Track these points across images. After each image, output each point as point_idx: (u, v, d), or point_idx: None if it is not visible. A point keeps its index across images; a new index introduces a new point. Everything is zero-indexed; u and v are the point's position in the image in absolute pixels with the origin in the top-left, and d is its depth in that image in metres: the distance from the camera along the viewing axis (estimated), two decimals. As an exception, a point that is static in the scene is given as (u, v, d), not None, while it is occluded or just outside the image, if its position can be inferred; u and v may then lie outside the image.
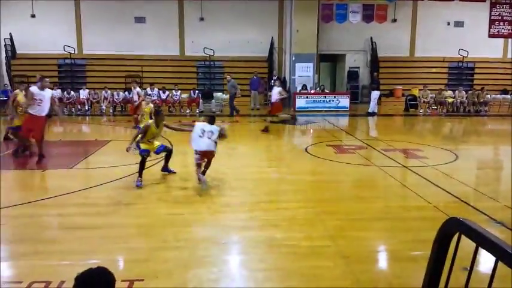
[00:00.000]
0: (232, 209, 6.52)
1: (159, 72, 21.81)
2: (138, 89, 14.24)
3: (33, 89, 9.45)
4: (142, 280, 4.22)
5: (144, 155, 7.76)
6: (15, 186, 7.97)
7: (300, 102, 19.91)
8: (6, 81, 21.28)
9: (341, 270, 4.51)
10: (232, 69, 22.42)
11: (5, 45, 21.82)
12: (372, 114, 18.68)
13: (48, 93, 9.64)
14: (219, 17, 22.56)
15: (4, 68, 21.93)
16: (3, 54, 21.92)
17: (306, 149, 11.14)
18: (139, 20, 22.47)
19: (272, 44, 22.95)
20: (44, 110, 9.53)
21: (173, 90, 19.71)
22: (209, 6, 22.39)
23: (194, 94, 19.85)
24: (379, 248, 5.36)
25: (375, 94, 18.97)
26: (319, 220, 5.96)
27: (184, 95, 19.91)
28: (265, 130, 13.93)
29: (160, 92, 19.66)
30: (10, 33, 21.74)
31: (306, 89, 20.69)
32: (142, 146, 7.86)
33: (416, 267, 4.32)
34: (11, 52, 21.88)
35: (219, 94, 20.63)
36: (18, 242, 5.32)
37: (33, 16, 21.56)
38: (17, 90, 11.23)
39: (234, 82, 18.55)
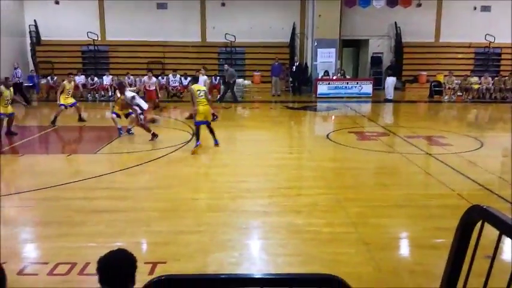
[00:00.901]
0: (253, 194, 6.55)
1: (181, 58, 21.87)
2: (154, 79, 15.42)
3: None
4: (164, 263, 4.31)
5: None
6: (41, 170, 8.16)
7: (322, 88, 19.71)
8: (32, 67, 21.63)
9: (362, 256, 4.51)
10: (253, 55, 22.35)
11: (30, 31, 22.15)
12: (390, 100, 18.42)
13: None
14: (241, 3, 22.39)
15: (29, 54, 22.29)
16: (28, 41, 22.26)
17: (327, 136, 11.07)
18: (161, 6, 22.49)
19: (294, 30, 22.70)
20: None
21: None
22: (230, -8, 22.27)
23: (215, 80, 19.85)
24: (401, 235, 5.34)
25: (390, 80, 18.67)
26: (341, 207, 5.95)
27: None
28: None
29: (182, 78, 19.74)
30: (34, 20, 22.04)
31: (328, 75, 20.46)
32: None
33: (438, 254, 4.28)
34: (36, 38, 22.20)
35: (240, 80, 20.57)
36: (44, 224, 5.48)
37: (57, 3, 21.77)
38: (65, 81, 12.70)
39: (233, 70, 18.55)
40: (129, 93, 10.47)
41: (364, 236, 4.96)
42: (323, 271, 4.18)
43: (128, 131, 10.99)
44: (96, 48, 22.03)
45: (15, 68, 17.81)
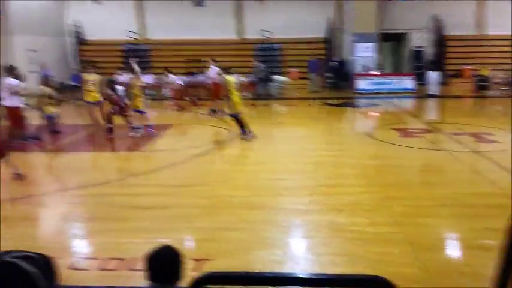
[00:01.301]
0: (293, 192, 6.53)
1: (218, 56, 22.00)
2: (171, 76, 15.81)
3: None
4: (207, 260, 4.35)
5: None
6: (87, 167, 8.43)
7: (361, 84, 19.37)
8: (76, 66, 22.29)
9: (408, 257, 4.41)
10: (289, 51, 22.21)
11: (74, 31, 22.81)
12: (433, 95, 17.90)
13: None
14: (276, -1, 22.31)
15: (73, 53, 22.97)
16: (72, 40, 22.93)
17: (368, 133, 10.89)
18: (198, 3, 22.71)
19: (330, 24, 22.44)
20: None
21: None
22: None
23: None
24: (448, 236, 5.19)
25: (433, 74, 18.14)
26: (384, 206, 5.84)
27: (243, 79, 19.96)
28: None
29: (220, 76, 19.84)
30: (77, 20, 22.69)
31: (367, 70, 20.09)
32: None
33: (488, 255, 4.13)
34: (79, 38, 22.85)
35: (277, 77, 20.50)
36: (92, 220, 5.66)
37: (98, 2, 22.33)
38: (84, 73, 12.80)
39: (262, 65, 18.52)
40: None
41: (409, 236, 4.85)
42: (367, 271, 4.11)
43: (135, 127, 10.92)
44: (137, 47, 22.48)
45: (44, 68, 18.17)
